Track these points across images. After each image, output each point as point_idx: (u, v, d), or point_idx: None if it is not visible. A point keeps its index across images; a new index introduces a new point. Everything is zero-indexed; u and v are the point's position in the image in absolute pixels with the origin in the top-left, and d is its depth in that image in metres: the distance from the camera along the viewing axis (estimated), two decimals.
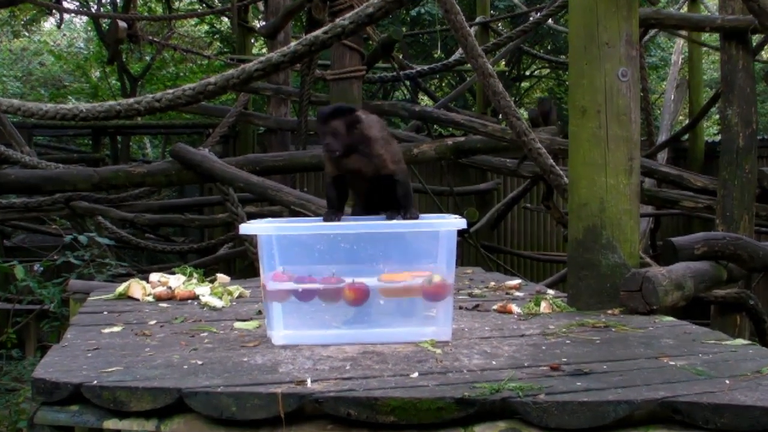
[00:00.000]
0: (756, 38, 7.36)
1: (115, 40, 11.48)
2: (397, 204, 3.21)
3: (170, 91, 5.16)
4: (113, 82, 18.08)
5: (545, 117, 8.22)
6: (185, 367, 2.47)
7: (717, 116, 17.68)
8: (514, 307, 3.49)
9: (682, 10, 11.55)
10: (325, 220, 3.23)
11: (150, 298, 4.02)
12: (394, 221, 3.05)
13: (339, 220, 3.19)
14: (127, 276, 7.96)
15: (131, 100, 5.25)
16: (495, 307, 3.57)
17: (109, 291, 4.23)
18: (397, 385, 2.22)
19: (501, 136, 7.31)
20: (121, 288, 4.12)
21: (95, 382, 2.28)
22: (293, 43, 5.06)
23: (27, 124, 11.65)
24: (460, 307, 3.63)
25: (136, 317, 3.48)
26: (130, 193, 9.67)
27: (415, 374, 2.34)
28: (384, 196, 3.26)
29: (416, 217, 3.13)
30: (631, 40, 3.63)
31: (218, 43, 19.02)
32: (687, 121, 14.18)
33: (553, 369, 2.38)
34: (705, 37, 12.05)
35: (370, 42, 9.95)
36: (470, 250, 11.58)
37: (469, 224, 10.53)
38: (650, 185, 7.77)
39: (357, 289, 2.83)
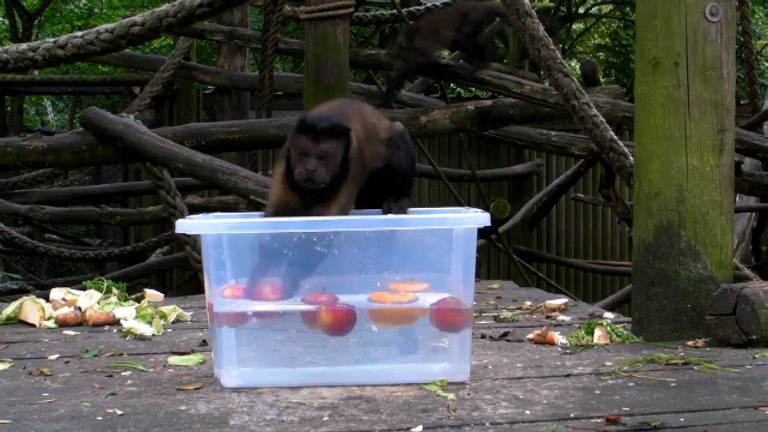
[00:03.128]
0: None
1: None
2: (392, 188, 3.25)
3: (79, 33, 5.16)
4: None
5: (588, 83, 8.27)
6: (99, 419, 2.48)
7: None
8: (558, 337, 3.50)
9: None
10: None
11: (51, 323, 4.02)
12: (390, 216, 3.06)
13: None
14: (19, 293, 7.98)
15: (24, 45, 5.25)
16: (531, 335, 3.59)
17: None
18: None
19: (542, 99, 7.31)
20: (9, 309, 4.13)
21: None
22: None
23: None
24: (483, 336, 3.64)
25: (31, 350, 3.49)
26: (24, 176, 9.67)
27: (419, 428, 2.35)
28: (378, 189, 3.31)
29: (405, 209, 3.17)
30: None
31: None
32: None
33: (610, 422, 2.39)
34: None
35: None
36: (499, 257, 11.58)
37: (497, 221, 10.57)
38: (752, 168, 7.78)
39: (337, 311, 2.84)
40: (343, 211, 3.28)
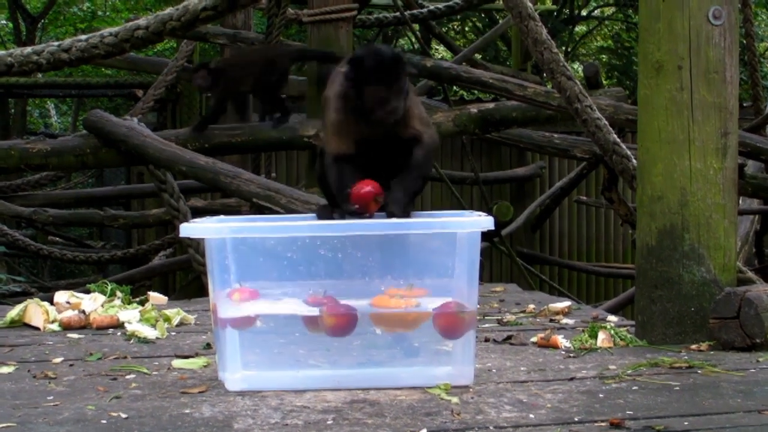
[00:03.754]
0: None
1: None
2: (396, 178, 3.25)
3: (83, 37, 5.17)
4: (2, 22, 18.07)
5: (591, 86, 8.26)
6: (103, 422, 2.48)
7: None
8: (561, 340, 3.51)
9: None
10: (319, 217, 3.25)
11: (55, 326, 4.03)
12: (394, 220, 3.06)
13: (345, 216, 3.18)
14: (22, 295, 7.98)
15: (29, 49, 5.26)
16: (534, 339, 3.59)
17: None
18: None
19: (545, 102, 7.31)
20: (14, 312, 4.13)
21: None
22: None
23: None
24: (486, 339, 3.65)
25: (35, 353, 3.50)
26: (27, 179, 9.68)
27: None
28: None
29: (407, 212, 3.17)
30: None
31: None
32: None
33: (613, 426, 2.39)
34: None
35: None
36: (502, 260, 11.58)
37: (500, 224, 10.56)
38: (755, 170, 7.78)
39: (339, 313, 2.84)
40: (423, 121, 3.32)
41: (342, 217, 3.17)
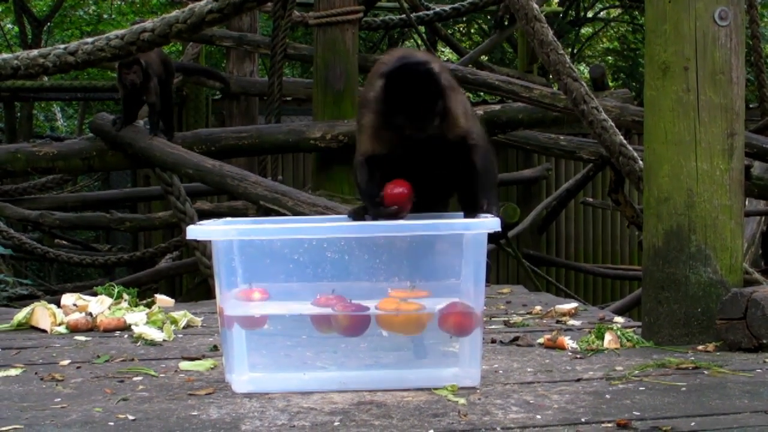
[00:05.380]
0: None
1: None
2: (473, 190, 3.19)
3: (90, 40, 5.18)
4: (8, 26, 18.10)
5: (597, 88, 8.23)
6: (111, 424, 2.49)
7: None
8: (568, 341, 3.51)
9: None
10: (354, 218, 3.24)
11: (62, 329, 4.04)
12: (401, 221, 3.07)
13: (378, 219, 3.15)
14: (29, 298, 8.00)
15: (35, 52, 5.28)
16: (541, 340, 3.59)
17: (4, 319, 4.24)
18: None
19: (551, 104, 7.32)
20: (21, 315, 4.14)
21: None
22: None
23: None
24: (493, 341, 3.65)
25: (43, 355, 3.51)
26: (34, 182, 9.70)
27: None
28: (443, 183, 3.28)
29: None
30: None
31: None
32: None
33: (620, 427, 2.39)
34: None
35: None
36: (508, 262, 11.57)
37: (506, 225, 10.55)
38: (761, 172, 7.77)
39: (353, 314, 2.85)
40: (469, 119, 3.23)
41: (375, 219, 3.15)
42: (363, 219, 3.21)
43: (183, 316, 4.16)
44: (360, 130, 3.37)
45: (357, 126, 3.45)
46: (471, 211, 3.20)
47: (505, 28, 12.44)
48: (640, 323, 3.83)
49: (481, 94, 12.05)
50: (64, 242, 12.67)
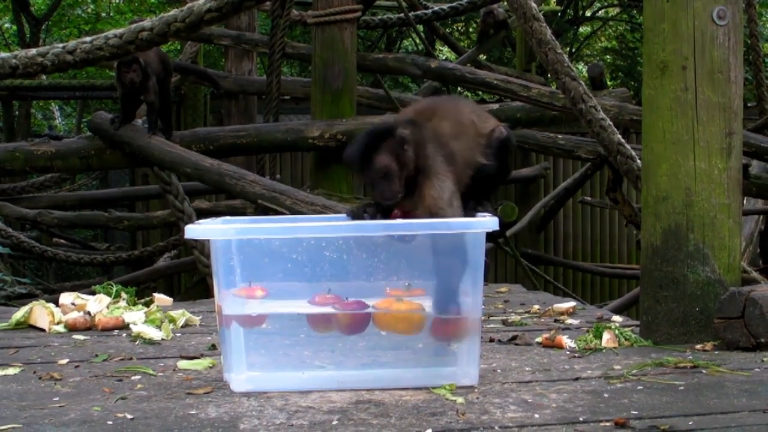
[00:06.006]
0: None
1: None
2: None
3: (88, 38, 5.18)
4: (6, 24, 18.09)
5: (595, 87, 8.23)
6: (109, 423, 2.49)
7: None
8: (566, 340, 3.51)
9: None
10: (352, 217, 3.25)
11: (60, 328, 4.04)
12: (398, 221, 3.07)
13: (375, 217, 3.19)
14: (28, 297, 7.99)
15: (33, 50, 5.27)
16: (539, 339, 3.59)
17: (2, 318, 4.24)
18: None
19: (549, 103, 7.33)
20: (19, 314, 4.14)
21: None
22: None
23: None
24: (491, 340, 3.65)
25: (41, 354, 3.50)
26: (32, 181, 9.70)
27: None
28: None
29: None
30: None
31: None
32: None
33: (618, 426, 2.39)
34: None
35: None
36: (506, 261, 11.58)
37: (504, 224, 10.55)
38: (759, 171, 7.78)
39: (354, 312, 2.85)
40: (440, 201, 3.21)
41: (373, 217, 3.18)
42: (361, 218, 3.21)
43: (181, 315, 4.16)
44: None
45: None
46: (468, 210, 3.22)
47: (486, 40, 12.31)
48: (638, 322, 3.83)
49: (480, 93, 12.04)
50: (62, 241, 12.66)
